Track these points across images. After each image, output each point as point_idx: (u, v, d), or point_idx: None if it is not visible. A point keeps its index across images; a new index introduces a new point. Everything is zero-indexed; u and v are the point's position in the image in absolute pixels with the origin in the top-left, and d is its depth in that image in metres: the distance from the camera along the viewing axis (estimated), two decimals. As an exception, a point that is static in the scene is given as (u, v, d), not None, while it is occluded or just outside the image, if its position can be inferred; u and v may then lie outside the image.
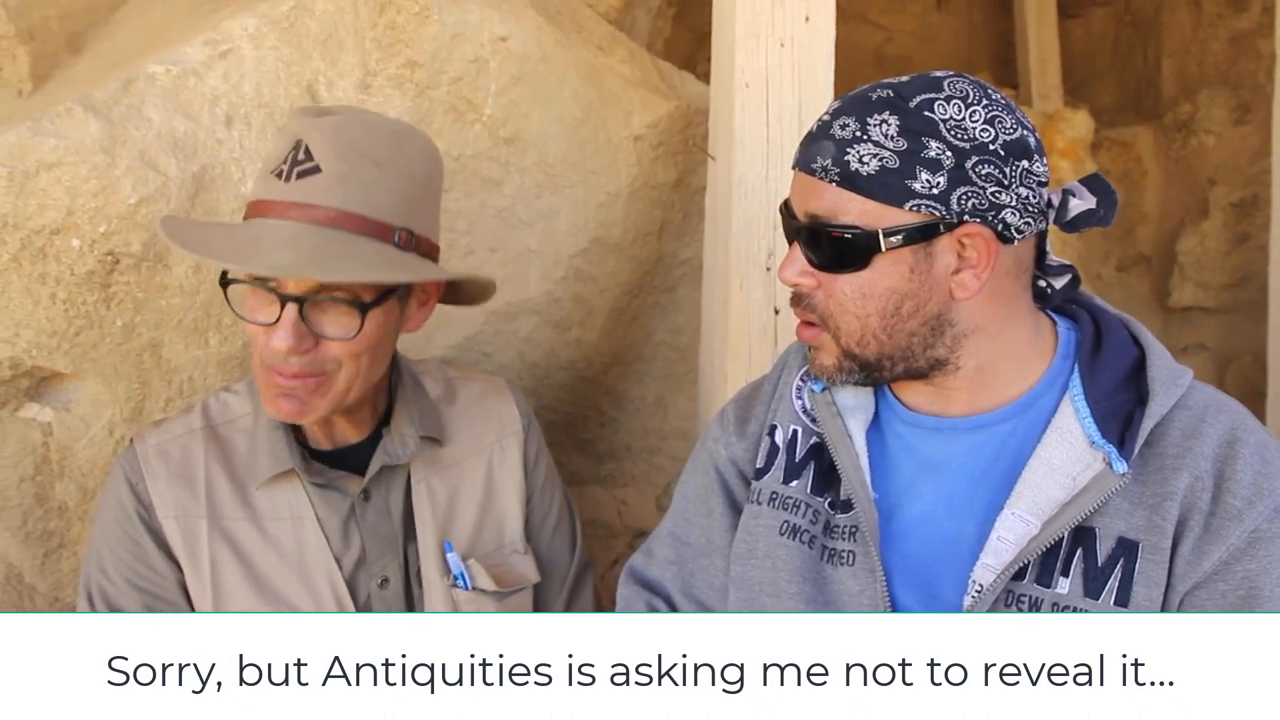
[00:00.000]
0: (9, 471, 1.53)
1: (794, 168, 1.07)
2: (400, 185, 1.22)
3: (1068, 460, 1.01)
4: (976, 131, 0.99)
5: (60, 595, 1.63)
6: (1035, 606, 0.99)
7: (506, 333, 1.89)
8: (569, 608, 1.48)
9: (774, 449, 1.18)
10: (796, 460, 1.16)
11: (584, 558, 1.54)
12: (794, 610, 1.10)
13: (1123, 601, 0.97)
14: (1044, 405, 1.06)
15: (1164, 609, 0.98)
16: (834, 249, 1.01)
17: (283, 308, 1.16)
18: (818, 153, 1.01)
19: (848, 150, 0.99)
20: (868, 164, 0.98)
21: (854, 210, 0.99)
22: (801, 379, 1.20)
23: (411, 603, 1.35)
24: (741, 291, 1.70)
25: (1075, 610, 0.98)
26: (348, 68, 1.59)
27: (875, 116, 1.00)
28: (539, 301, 1.87)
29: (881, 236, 0.99)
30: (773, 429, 1.20)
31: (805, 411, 1.18)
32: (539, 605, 1.45)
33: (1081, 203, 1.04)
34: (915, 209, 0.98)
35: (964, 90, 1.01)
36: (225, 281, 1.21)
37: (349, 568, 1.32)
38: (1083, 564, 0.99)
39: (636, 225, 1.97)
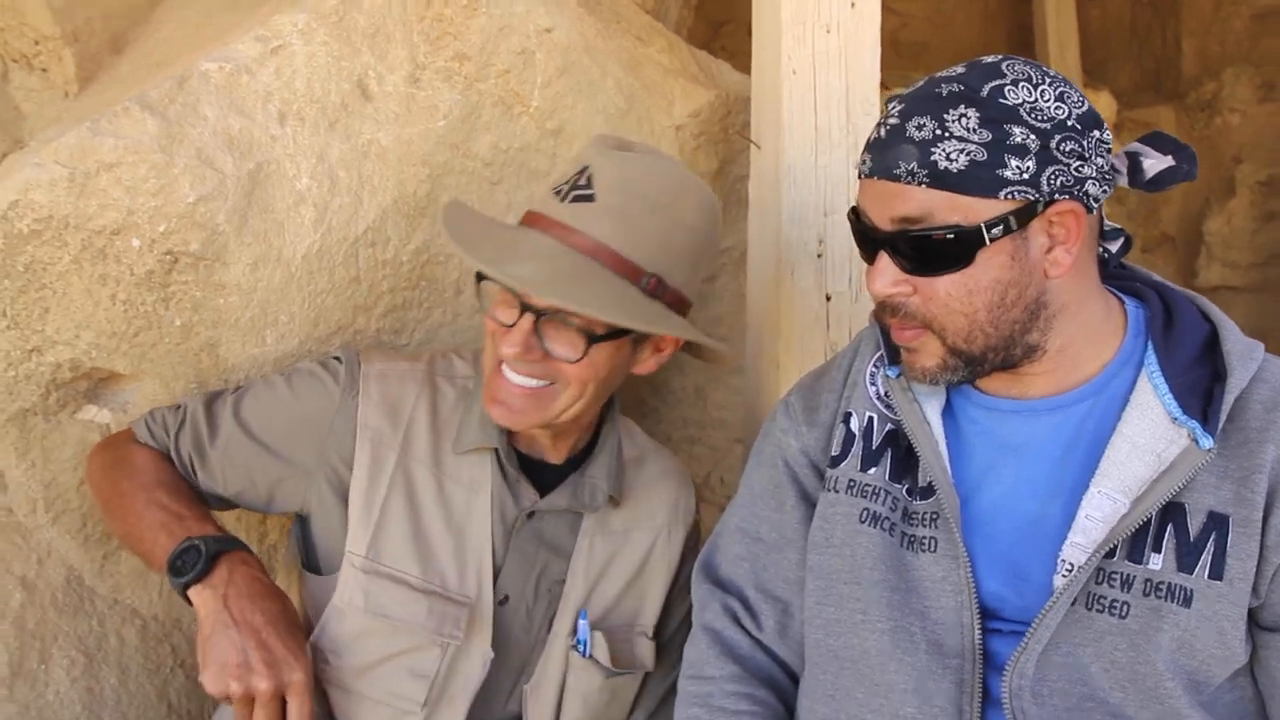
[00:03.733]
0: (69, 474, 1.53)
1: (867, 176, 1.05)
2: (665, 233, 1.24)
3: (1151, 437, 1.01)
4: (1052, 110, 0.99)
5: (119, 597, 1.63)
6: (1127, 584, 0.99)
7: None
8: (661, 703, 1.48)
9: (850, 436, 1.18)
10: (874, 447, 1.16)
11: None
12: (874, 597, 1.10)
13: (1217, 575, 0.98)
14: (1120, 383, 1.06)
15: (1257, 581, 0.98)
16: (934, 251, 1.00)
17: (520, 315, 1.21)
18: (899, 157, 1.00)
19: (932, 150, 0.98)
20: (956, 160, 0.98)
21: (950, 209, 0.99)
22: (875, 365, 1.20)
23: (517, 630, 1.37)
24: (793, 279, 1.70)
25: (1169, 585, 0.98)
26: (397, 61, 1.59)
27: (952, 112, 0.99)
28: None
29: (985, 230, 0.98)
30: (847, 416, 1.19)
31: (880, 398, 1.18)
32: (642, 691, 1.46)
33: (1157, 162, 1.05)
34: (1009, 196, 0.98)
35: (1024, 71, 1.01)
36: (480, 277, 1.26)
37: (495, 567, 1.35)
38: (1174, 540, 0.99)
39: (679, 215, 1.96)
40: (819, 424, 1.23)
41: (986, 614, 1.06)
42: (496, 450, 1.35)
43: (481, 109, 1.66)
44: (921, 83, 1.05)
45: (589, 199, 1.22)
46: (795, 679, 1.24)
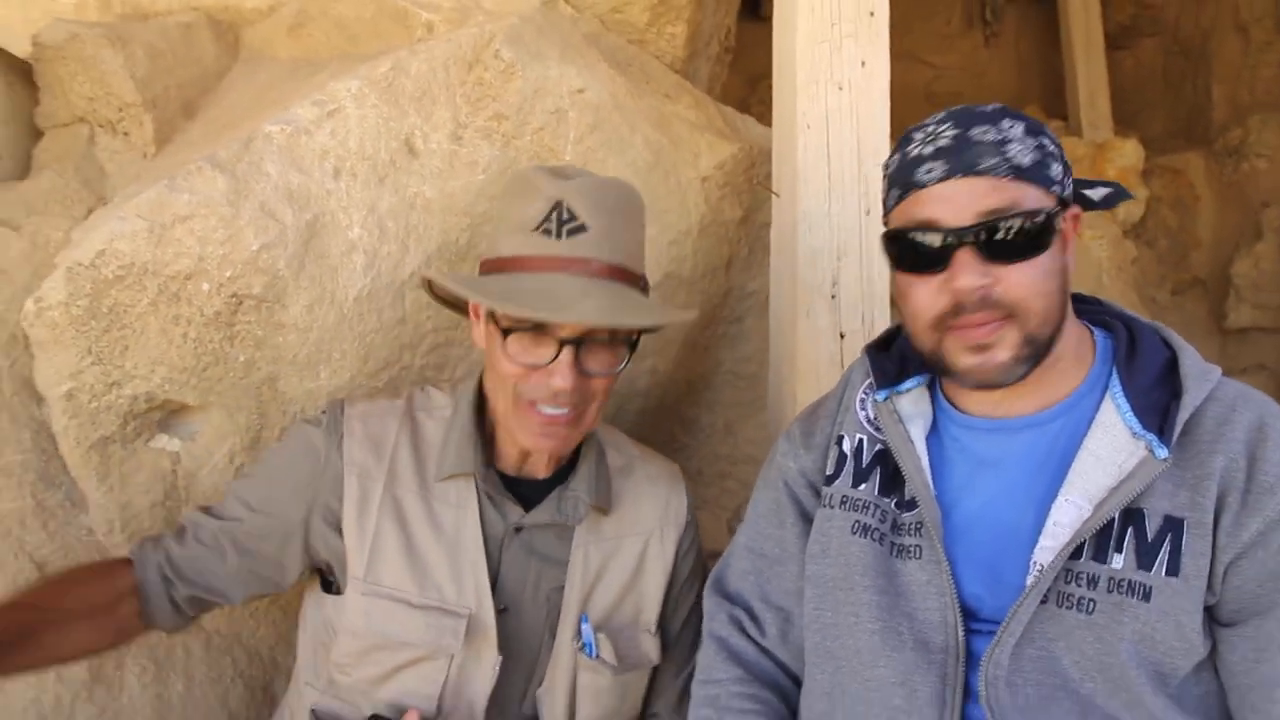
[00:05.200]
0: (142, 497, 1.67)
1: (942, 180, 1.11)
2: (637, 236, 1.39)
3: (1114, 450, 1.11)
4: (1050, 132, 1.15)
5: (184, 612, 1.77)
6: (1093, 582, 1.08)
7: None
8: (681, 696, 1.55)
9: (842, 457, 1.29)
10: (864, 466, 1.27)
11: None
12: (866, 601, 1.20)
13: (1173, 572, 1.07)
14: (1087, 404, 1.17)
15: (1211, 578, 1.07)
16: (1023, 238, 1.09)
17: (559, 350, 1.30)
18: (980, 154, 1.10)
19: (1004, 148, 1.10)
20: (1026, 157, 1.11)
21: (1029, 199, 1.10)
22: (865, 391, 1.31)
23: (523, 636, 1.46)
24: (809, 319, 1.81)
25: (1130, 582, 1.07)
26: (440, 121, 1.74)
27: (1004, 122, 1.12)
28: (616, 333, 2.00)
29: (1052, 218, 1.11)
30: (840, 439, 1.30)
31: (869, 422, 1.29)
32: (653, 686, 1.55)
33: (1097, 191, 1.21)
34: (1054, 192, 1.12)
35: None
36: (507, 330, 1.33)
37: (491, 577, 1.43)
38: (1134, 541, 1.09)
39: (705, 260, 2.09)
40: (815, 447, 1.34)
41: (968, 614, 1.15)
42: (479, 482, 1.44)
43: (518, 163, 1.80)
44: (948, 110, 1.17)
45: (583, 229, 1.31)
46: (797, 681, 1.33)
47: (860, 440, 1.29)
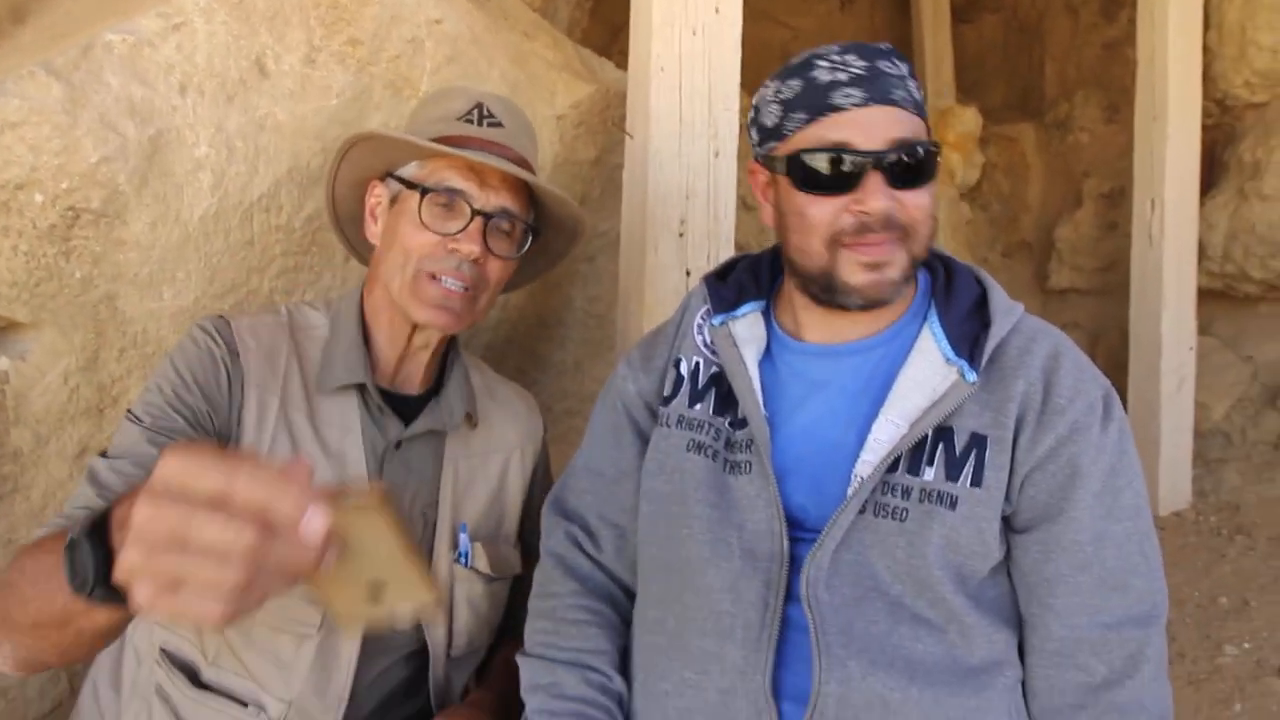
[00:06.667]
0: (-34, 417, 1.61)
1: (860, 105, 1.18)
2: (533, 150, 1.55)
3: (929, 374, 1.22)
4: None
5: (14, 537, 1.71)
6: (906, 493, 1.19)
7: (438, 295, 2.02)
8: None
9: (679, 379, 1.37)
10: (699, 387, 1.35)
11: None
12: (698, 514, 1.28)
13: (977, 483, 1.18)
14: (908, 333, 1.28)
15: (1009, 489, 1.19)
16: (923, 165, 1.20)
17: (471, 219, 1.41)
18: (890, 86, 1.19)
19: (907, 83, 1.21)
20: (916, 94, 1.22)
21: (923, 131, 1.22)
22: (702, 317, 1.38)
23: None
24: (657, 255, 1.88)
25: (938, 492, 1.18)
26: (294, 43, 1.71)
27: (897, 60, 1.22)
28: (469, 266, 2.02)
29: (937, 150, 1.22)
30: (678, 362, 1.38)
31: (706, 345, 1.36)
32: (515, 591, 1.60)
33: None
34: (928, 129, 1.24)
35: None
36: (425, 190, 1.42)
37: None
38: (944, 456, 1.20)
39: (559, 198, 2.12)
40: (654, 370, 1.41)
41: (794, 524, 1.24)
42: (361, 390, 1.45)
43: (373, 91, 1.79)
44: (841, 44, 1.23)
45: (500, 124, 1.48)
46: (631, 594, 1.41)
47: (697, 363, 1.36)
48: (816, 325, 1.30)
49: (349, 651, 1.39)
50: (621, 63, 2.31)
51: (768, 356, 1.33)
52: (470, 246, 1.40)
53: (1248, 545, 3.23)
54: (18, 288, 1.56)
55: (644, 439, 1.39)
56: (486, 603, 1.52)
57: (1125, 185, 3.67)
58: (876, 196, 1.18)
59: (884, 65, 1.20)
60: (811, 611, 1.20)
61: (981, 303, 1.28)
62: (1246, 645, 2.74)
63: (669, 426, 1.34)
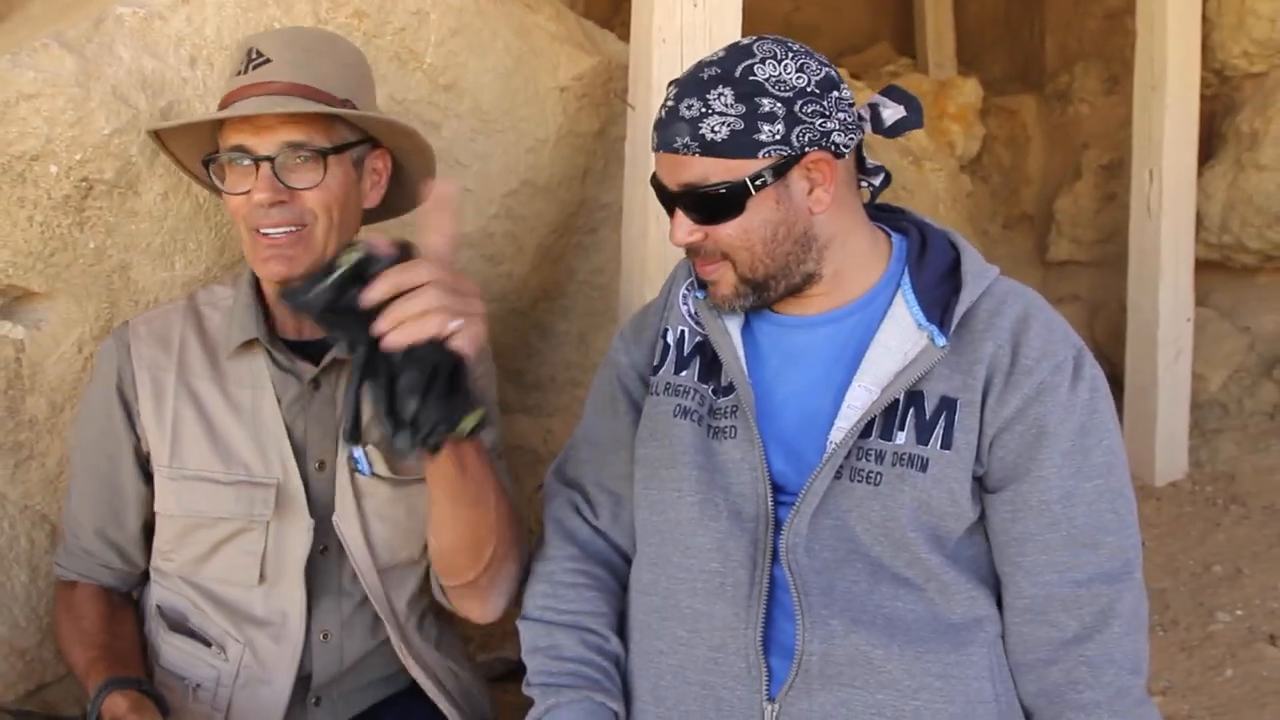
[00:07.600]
0: (-17, 385, 1.65)
1: (655, 150, 1.27)
2: (341, 68, 1.45)
3: (900, 340, 1.26)
4: (794, 80, 1.22)
5: (30, 503, 1.75)
6: (880, 458, 1.23)
7: (444, 265, 2.05)
8: None
9: (666, 348, 1.42)
10: (685, 355, 1.40)
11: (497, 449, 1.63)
12: (686, 477, 1.32)
13: (947, 445, 1.22)
14: (882, 300, 1.31)
15: (979, 450, 1.23)
16: (713, 206, 1.23)
17: (258, 169, 1.36)
18: (675, 134, 1.22)
19: (699, 125, 1.21)
20: (719, 132, 1.20)
21: (720, 171, 1.21)
22: (687, 289, 1.42)
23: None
24: (658, 225, 1.90)
25: (910, 455, 1.21)
26: (300, 15, 1.74)
27: (712, 92, 1.21)
28: (474, 237, 2.05)
29: (750, 184, 1.21)
30: (665, 332, 1.43)
31: (690, 316, 1.40)
32: None
33: (893, 112, 1.30)
34: (767, 155, 1.21)
35: (772, 50, 1.24)
36: (207, 160, 1.41)
37: (296, 445, 1.49)
38: (915, 419, 1.24)
39: (562, 170, 2.15)
40: (644, 342, 1.45)
41: (776, 489, 1.29)
42: (268, 346, 1.47)
43: (378, 63, 1.81)
44: (691, 68, 1.28)
45: (266, 61, 1.39)
46: (627, 559, 1.45)
47: (682, 332, 1.40)
48: (789, 300, 1.34)
49: (296, 597, 1.47)
50: (624, 34, 2.32)
51: (748, 328, 1.37)
52: (261, 195, 1.36)
53: (1242, 514, 3.27)
54: (33, 258, 1.59)
55: (638, 409, 1.44)
56: (398, 511, 1.49)
57: (1125, 157, 3.68)
58: (678, 229, 1.26)
59: (684, 105, 1.22)
60: (792, 573, 1.24)
61: (955, 267, 1.31)
62: (1239, 612, 2.78)
63: (658, 394, 1.39)
